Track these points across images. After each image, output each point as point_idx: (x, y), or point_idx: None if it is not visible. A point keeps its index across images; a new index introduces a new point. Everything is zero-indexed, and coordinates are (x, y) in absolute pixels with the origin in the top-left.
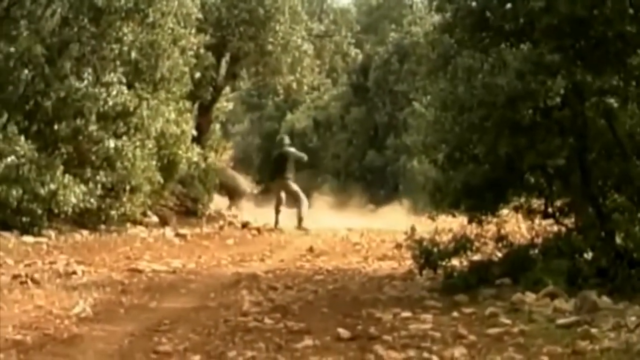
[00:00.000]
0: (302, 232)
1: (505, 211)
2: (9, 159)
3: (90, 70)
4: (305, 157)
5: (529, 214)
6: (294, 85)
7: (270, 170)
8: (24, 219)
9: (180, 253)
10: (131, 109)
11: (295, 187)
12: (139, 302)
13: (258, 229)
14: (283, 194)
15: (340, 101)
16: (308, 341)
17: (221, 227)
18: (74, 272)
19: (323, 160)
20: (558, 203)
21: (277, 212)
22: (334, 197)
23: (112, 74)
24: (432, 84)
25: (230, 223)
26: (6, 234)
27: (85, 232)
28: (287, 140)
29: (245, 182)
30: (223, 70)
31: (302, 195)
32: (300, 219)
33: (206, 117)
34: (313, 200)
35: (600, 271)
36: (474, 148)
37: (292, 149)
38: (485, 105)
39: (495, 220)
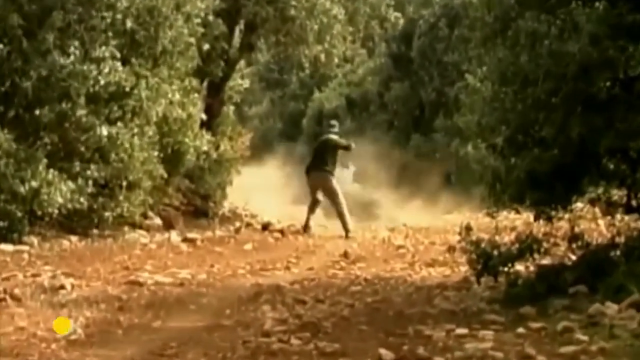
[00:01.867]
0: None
1: (579, 205)
2: None
3: (77, 43)
4: (352, 145)
5: (609, 207)
6: (322, 57)
7: (307, 163)
8: (1, 223)
9: (188, 261)
10: (127, 89)
11: (335, 185)
12: (140, 321)
13: (282, 231)
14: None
15: (379, 75)
16: None
17: (237, 230)
18: (62, 287)
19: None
20: None
21: (310, 213)
22: (373, 190)
23: (103, 48)
24: (489, 52)
25: (249, 224)
26: None
27: (74, 238)
28: (336, 127)
29: None
30: (237, 40)
31: (342, 198)
32: (346, 230)
33: (217, 97)
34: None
35: None
36: (541, 129)
37: (335, 136)
38: (553, 77)
39: (567, 215)
